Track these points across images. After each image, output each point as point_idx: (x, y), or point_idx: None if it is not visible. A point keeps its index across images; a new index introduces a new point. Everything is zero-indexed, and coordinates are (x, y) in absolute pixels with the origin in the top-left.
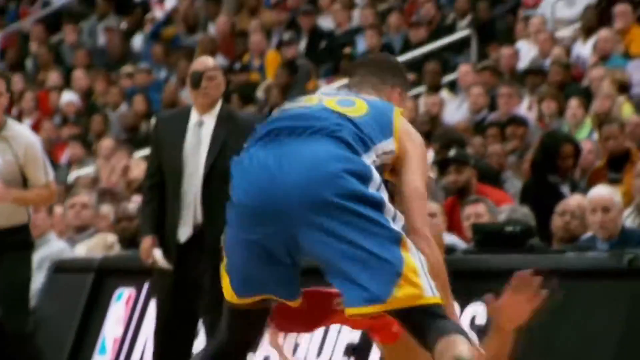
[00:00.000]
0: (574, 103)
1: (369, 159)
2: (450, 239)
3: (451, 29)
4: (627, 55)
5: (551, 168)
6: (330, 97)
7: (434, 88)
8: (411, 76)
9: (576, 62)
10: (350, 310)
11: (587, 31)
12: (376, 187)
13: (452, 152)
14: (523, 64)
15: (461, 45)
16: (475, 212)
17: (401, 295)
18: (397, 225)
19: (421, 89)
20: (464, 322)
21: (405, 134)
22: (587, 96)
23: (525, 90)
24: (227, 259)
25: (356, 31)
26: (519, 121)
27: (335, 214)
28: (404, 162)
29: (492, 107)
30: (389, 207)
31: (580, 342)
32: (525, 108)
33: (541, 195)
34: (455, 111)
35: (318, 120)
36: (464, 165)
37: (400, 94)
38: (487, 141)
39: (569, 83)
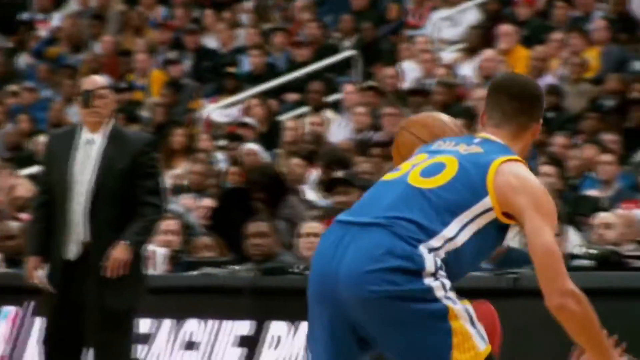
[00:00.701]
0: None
1: (453, 228)
2: None
3: (335, 49)
4: None
5: None
6: (422, 162)
7: (318, 108)
8: (295, 96)
9: (460, 82)
10: None
11: (471, 51)
12: (430, 274)
13: (339, 174)
14: (407, 84)
15: (345, 65)
16: None
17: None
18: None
19: (305, 108)
20: None
21: (509, 188)
22: (470, 116)
23: (409, 110)
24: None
25: (241, 50)
26: None
27: (374, 312)
28: (520, 217)
29: (376, 127)
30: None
31: None
32: None
33: None
34: (339, 131)
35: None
36: (351, 186)
37: (541, 124)
38: (371, 161)
39: (453, 103)
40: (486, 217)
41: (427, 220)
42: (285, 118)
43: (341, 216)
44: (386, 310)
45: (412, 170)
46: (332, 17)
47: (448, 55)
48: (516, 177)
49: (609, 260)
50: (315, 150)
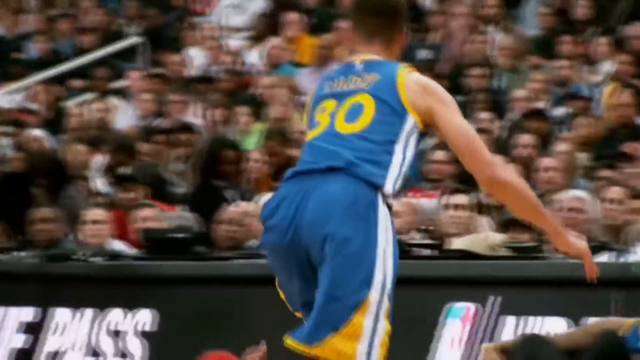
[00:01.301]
0: (242, 111)
1: (398, 153)
2: (119, 245)
3: (121, 36)
4: (297, 64)
5: (215, 173)
6: (338, 107)
7: (103, 94)
8: (81, 82)
9: (247, 70)
10: (284, 338)
11: (258, 39)
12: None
13: (122, 171)
14: (193, 71)
15: (131, 52)
16: (144, 216)
17: (330, 346)
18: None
19: (91, 95)
20: (130, 327)
21: (417, 96)
22: (257, 104)
23: (195, 97)
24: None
25: (26, 36)
26: (188, 128)
27: (326, 255)
28: (432, 117)
29: (162, 114)
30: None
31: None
32: (194, 115)
33: (207, 200)
34: (124, 117)
35: (334, 159)
36: (136, 183)
37: (406, 33)
38: (155, 148)
39: (239, 91)
40: (415, 131)
41: (376, 156)
42: (71, 104)
43: (289, 173)
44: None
45: (334, 119)
46: (117, 3)
47: (234, 42)
48: (417, 84)
49: None
50: (100, 136)
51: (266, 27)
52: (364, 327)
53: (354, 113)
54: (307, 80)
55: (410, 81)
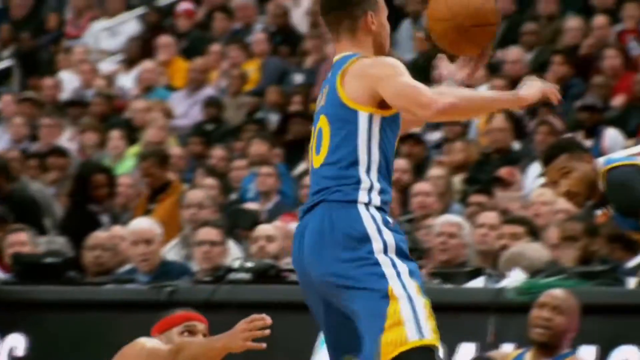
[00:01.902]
0: (115, 135)
1: (363, 157)
2: None
3: None
4: (170, 87)
5: (87, 197)
6: (313, 137)
7: None
8: None
9: (119, 94)
10: None
11: (130, 62)
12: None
13: None
14: (65, 95)
15: (3, 76)
16: (17, 241)
17: (385, 346)
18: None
19: None
20: (0, 352)
21: (356, 89)
22: (130, 128)
23: (68, 121)
24: None
25: None
26: (61, 152)
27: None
28: (381, 96)
29: (34, 137)
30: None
31: None
32: (66, 139)
33: (79, 225)
34: None
35: (314, 196)
36: (5, 223)
37: (372, 16)
38: (28, 172)
39: (112, 114)
40: (376, 123)
41: (342, 178)
42: None
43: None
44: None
45: (311, 154)
46: None
47: (108, 66)
48: (354, 76)
49: (267, 274)
50: None
51: (139, 50)
52: (401, 312)
53: (319, 142)
54: (180, 103)
55: (349, 76)
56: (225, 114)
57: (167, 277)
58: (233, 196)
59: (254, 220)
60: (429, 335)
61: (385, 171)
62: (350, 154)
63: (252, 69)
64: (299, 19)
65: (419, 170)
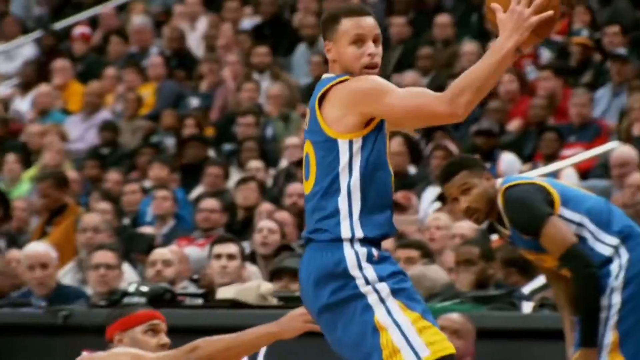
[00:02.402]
0: (11, 158)
1: (343, 185)
2: None
3: None
4: (66, 111)
5: None
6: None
7: None
8: None
9: (15, 117)
10: None
11: (26, 86)
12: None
13: None
14: None
15: None
16: None
17: None
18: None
19: None
20: None
21: (339, 117)
22: (25, 152)
23: None
24: None
25: None
26: None
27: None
28: (374, 118)
29: None
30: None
31: None
32: None
33: None
34: None
35: (306, 227)
36: None
37: (334, 41)
38: None
39: (8, 138)
40: (358, 146)
41: (325, 209)
42: None
43: None
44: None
45: (302, 179)
46: None
47: (3, 90)
48: (332, 104)
49: (162, 298)
50: None
51: (35, 74)
52: (393, 341)
53: (307, 168)
54: (75, 127)
55: (328, 102)
56: (121, 137)
57: (63, 300)
58: (127, 220)
59: (150, 244)
60: (426, 352)
61: (373, 193)
62: (332, 182)
63: (147, 92)
64: (195, 43)
65: None
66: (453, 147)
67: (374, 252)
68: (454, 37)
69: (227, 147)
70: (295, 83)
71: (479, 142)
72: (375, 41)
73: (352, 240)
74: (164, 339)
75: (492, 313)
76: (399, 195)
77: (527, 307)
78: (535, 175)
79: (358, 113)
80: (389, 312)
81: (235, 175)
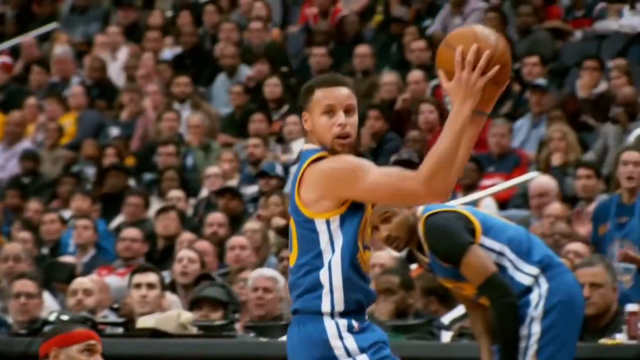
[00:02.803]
0: None
1: (325, 262)
2: None
3: None
4: None
5: None
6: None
7: None
8: None
9: None
10: None
11: None
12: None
13: None
14: None
15: None
16: None
17: None
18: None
19: None
20: None
21: (315, 199)
22: None
23: None
24: None
25: None
26: None
27: None
28: (348, 201)
29: None
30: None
31: None
32: None
33: None
34: None
35: (292, 302)
36: None
37: (309, 112)
38: None
39: None
40: (335, 223)
41: (306, 285)
42: None
43: None
44: None
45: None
46: None
47: None
48: (308, 186)
49: None
50: None
51: None
52: None
53: (291, 240)
54: None
55: (305, 184)
56: (42, 167)
57: None
58: (46, 249)
59: (71, 273)
60: None
61: (353, 267)
62: (314, 259)
63: (68, 122)
64: (116, 73)
65: (235, 223)
66: None
67: (354, 323)
68: (373, 67)
69: (148, 176)
70: (216, 113)
71: None
72: (347, 111)
73: (332, 314)
74: (99, 359)
75: (411, 342)
76: None
77: (446, 336)
78: (456, 204)
79: (333, 197)
80: None
81: (155, 205)
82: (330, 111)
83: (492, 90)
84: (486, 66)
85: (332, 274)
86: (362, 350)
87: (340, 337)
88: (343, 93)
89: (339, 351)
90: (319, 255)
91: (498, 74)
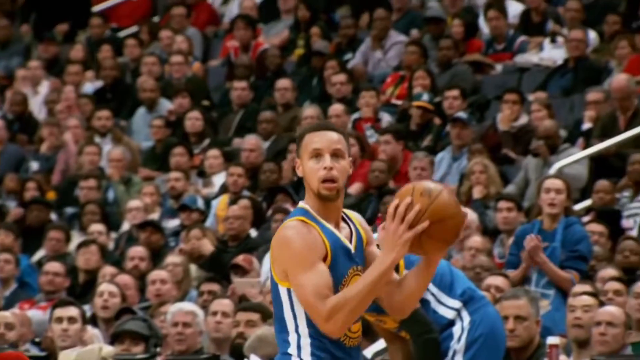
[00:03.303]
0: None
1: (292, 318)
2: None
3: None
4: None
5: None
6: None
7: None
8: None
9: None
10: None
11: None
12: None
13: None
14: None
15: None
16: None
17: None
18: None
19: None
20: None
21: (277, 262)
22: None
23: None
24: None
25: None
26: None
27: None
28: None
29: None
30: None
31: None
32: None
33: None
34: None
35: None
36: None
37: (301, 158)
38: None
39: None
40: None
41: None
42: None
43: None
44: None
45: None
46: None
47: None
48: (274, 248)
49: None
50: None
51: None
52: None
53: None
54: None
55: (274, 245)
56: None
57: None
58: None
59: None
60: None
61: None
62: (281, 321)
63: None
64: (37, 107)
65: (156, 257)
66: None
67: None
68: (294, 101)
69: (69, 210)
70: (137, 146)
71: None
72: (334, 155)
73: (299, 355)
74: None
75: None
76: (240, 258)
77: None
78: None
79: (282, 269)
80: None
81: (76, 239)
82: (317, 155)
83: (431, 245)
84: (417, 220)
85: (299, 332)
86: None
87: None
88: (330, 137)
89: None
90: (284, 319)
91: (435, 229)
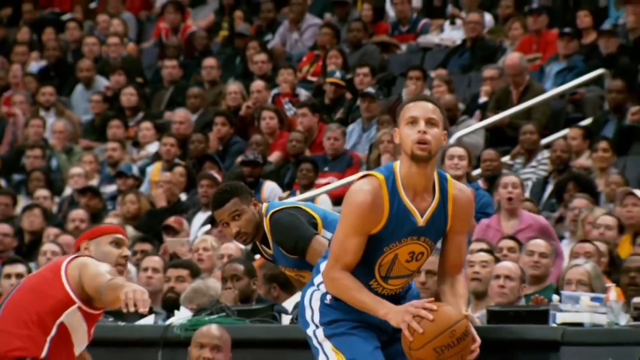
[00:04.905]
0: None
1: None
2: None
3: None
4: None
5: None
6: None
7: None
8: None
9: None
10: None
11: None
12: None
13: None
14: None
15: None
16: None
17: None
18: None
19: None
20: None
21: None
22: None
23: None
24: None
25: None
26: None
27: None
28: None
29: None
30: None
31: None
32: None
33: None
34: None
35: None
36: None
37: (398, 126)
38: None
39: None
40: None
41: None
42: None
43: None
44: None
45: None
46: None
47: None
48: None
49: None
50: None
51: None
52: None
53: None
54: None
55: (346, 195)
56: None
57: None
58: None
59: None
60: None
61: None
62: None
63: None
64: None
65: (95, 220)
66: (219, 176)
67: (328, 296)
68: (219, 78)
69: (17, 177)
70: (78, 119)
71: (244, 172)
72: (428, 123)
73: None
74: (127, 251)
75: (254, 325)
76: (172, 220)
77: (286, 319)
78: (296, 201)
79: None
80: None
81: (23, 203)
82: (413, 122)
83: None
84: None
85: None
86: (324, 323)
87: (311, 307)
88: (425, 106)
89: (308, 313)
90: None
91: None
